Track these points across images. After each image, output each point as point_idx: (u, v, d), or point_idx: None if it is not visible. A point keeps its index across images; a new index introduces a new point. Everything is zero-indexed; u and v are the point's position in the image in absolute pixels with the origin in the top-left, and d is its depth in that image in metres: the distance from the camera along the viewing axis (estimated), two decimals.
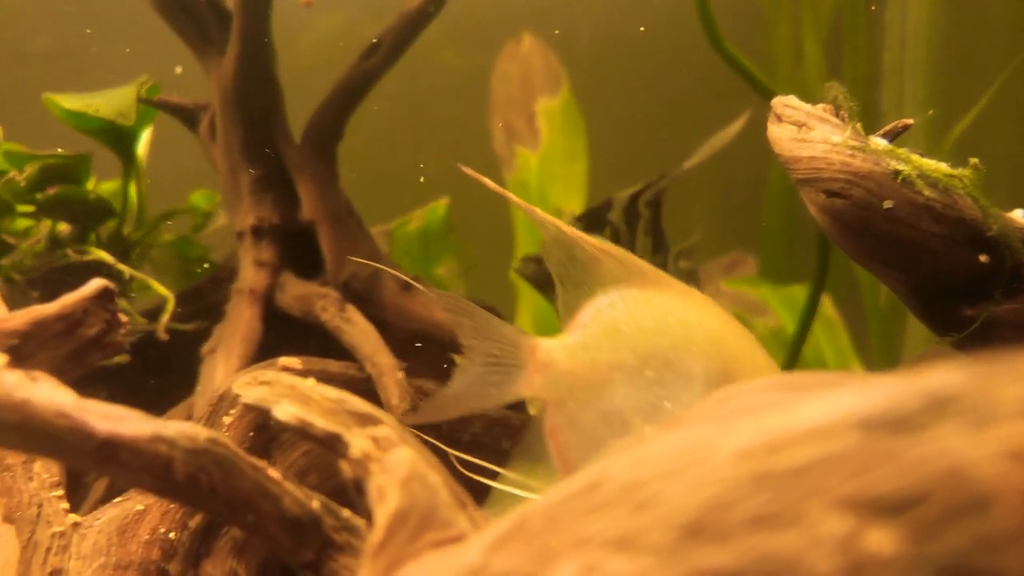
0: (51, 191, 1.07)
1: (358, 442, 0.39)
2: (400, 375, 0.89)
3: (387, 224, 1.59)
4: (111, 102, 1.12)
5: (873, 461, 0.18)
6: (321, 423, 0.41)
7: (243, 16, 1.04)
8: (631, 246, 1.10)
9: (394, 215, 1.74)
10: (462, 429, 1.00)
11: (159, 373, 1.20)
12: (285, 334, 1.11)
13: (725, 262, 2.70)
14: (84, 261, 1.13)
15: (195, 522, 0.70)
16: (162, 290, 1.10)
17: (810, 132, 0.66)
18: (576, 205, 2.22)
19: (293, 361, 0.88)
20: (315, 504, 0.43)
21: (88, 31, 2.50)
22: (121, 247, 1.26)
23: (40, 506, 0.64)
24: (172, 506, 0.69)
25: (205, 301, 1.35)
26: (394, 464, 0.35)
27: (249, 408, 0.83)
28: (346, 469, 0.39)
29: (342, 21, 2.90)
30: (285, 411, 0.42)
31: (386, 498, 0.34)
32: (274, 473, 0.43)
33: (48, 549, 0.61)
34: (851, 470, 0.18)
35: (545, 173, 2.17)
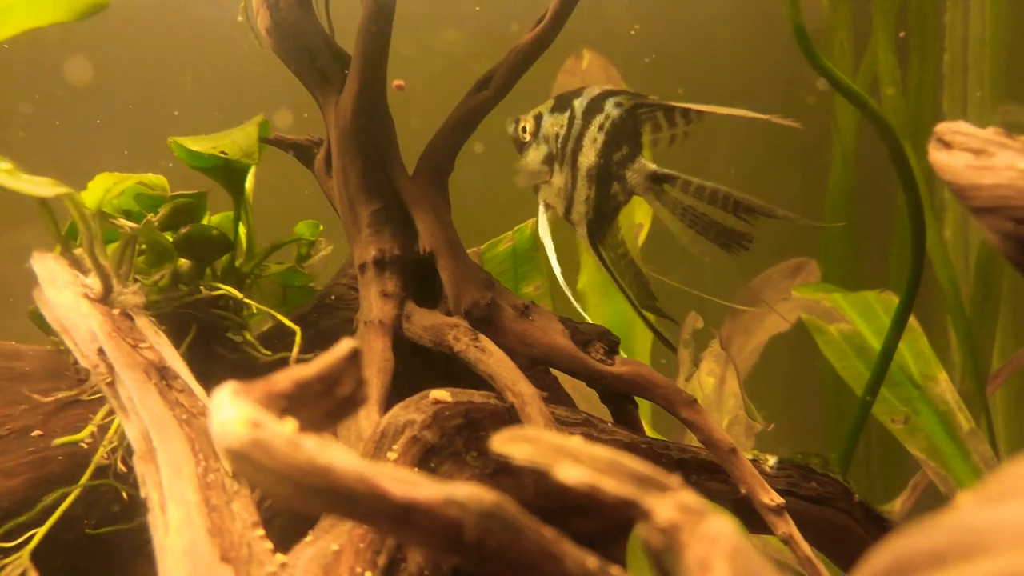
0: (183, 230, 1.11)
1: (664, 510, 0.40)
2: (542, 404, 0.91)
3: (475, 247, 1.61)
4: (236, 142, 1.15)
5: None
6: (612, 487, 0.42)
7: (362, 57, 1.07)
8: (579, 135, 1.10)
9: None
10: None
11: None
12: (408, 362, 1.13)
13: (789, 267, 2.68)
14: (207, 296, 1.17)
15: (382, 560, 0.73)
16: (290, 324, 1.13)
17: (991, 159, 0.66)
18: (639, 216, 2.22)
19: (443, 394, 0.90)
20: (591, 563, 0.44)
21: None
22: (235, 279, 1.30)
23: (249, 546, 0.66)
24: (362, 545, 0.71)
25: (313, 329, 1.38)
26: (714, 534, 0.36)
27: (412, 443, 0.84)
28: (651, 536, 0.40)
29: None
30: (571, 474, 0.43)
31: (712, 571, 0.35)
32: (549, 532, 0.45)
33: None
34: None
35: None
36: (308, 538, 0.72)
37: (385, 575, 0.72)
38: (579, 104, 1.12)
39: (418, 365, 1.12)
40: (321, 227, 1.43)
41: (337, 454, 0.43)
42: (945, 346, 2.56)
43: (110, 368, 0.77)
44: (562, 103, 1.15)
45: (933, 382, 1.82)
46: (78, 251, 0.89)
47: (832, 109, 2.50)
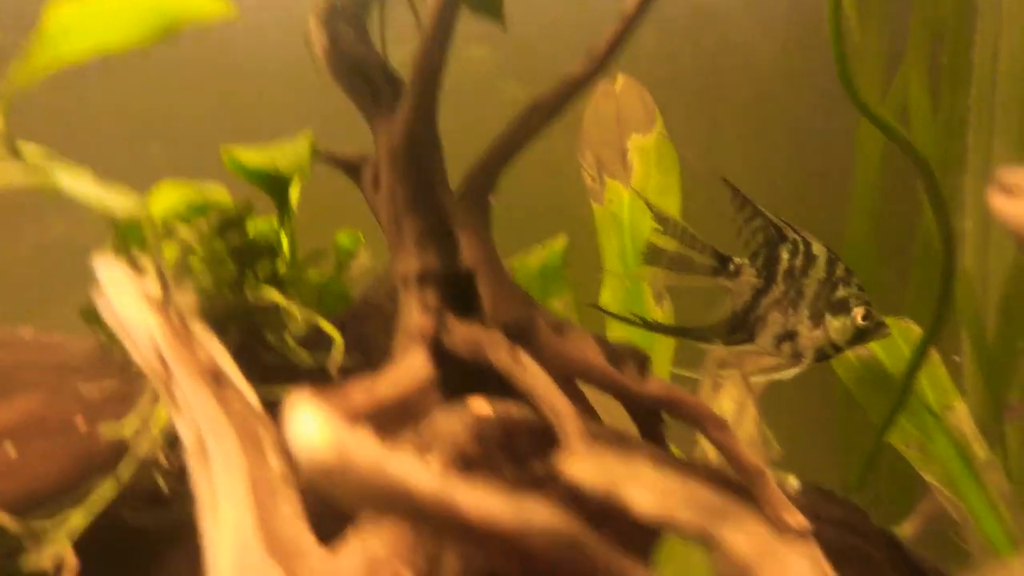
0: (233, 241, 1.15)
1: (739, 543, 0.42)
2: (580, 422, 0.94)
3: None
4: (287, 157, 1.20)
5: None
6: (686, 518, 0.45)
7: (418, 83, 1.11)
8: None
9: None
10: None
11: None
12: (445, 371, 1.17)
13: None
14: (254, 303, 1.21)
15: (422, 560, 0.76)
16: (332, 332, 1.17)
17: None
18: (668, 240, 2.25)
19: (482, 405, 0.93)
20: None
21: None
22: (276, 283, 1.35)
23: (297, 542, 0.70)
24: (404, 544, 0.75)
25: (349, 335, 1.42)
26: (793, 571, 0.39)
27: (452, 454, 0.88)
28: (725, 570, 0.43)
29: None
30: (644, 504, 0.46)
31: None
32: (628, 562, 0.48)
33: None
34: None
35: (638, 207, 2.21)
36: (351, 534, 0.76)
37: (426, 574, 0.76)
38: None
39: (454, 374, 1.16)
40: (362, 237, 1.47)
41: (416, 471, 0.46)
42: (956, 373, 2.57)
43: (167, 370, 0.81)
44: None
45: (951, 411, 1.83)
46: (138, 256, 0.94)
47: (855, 137, 2.53)
